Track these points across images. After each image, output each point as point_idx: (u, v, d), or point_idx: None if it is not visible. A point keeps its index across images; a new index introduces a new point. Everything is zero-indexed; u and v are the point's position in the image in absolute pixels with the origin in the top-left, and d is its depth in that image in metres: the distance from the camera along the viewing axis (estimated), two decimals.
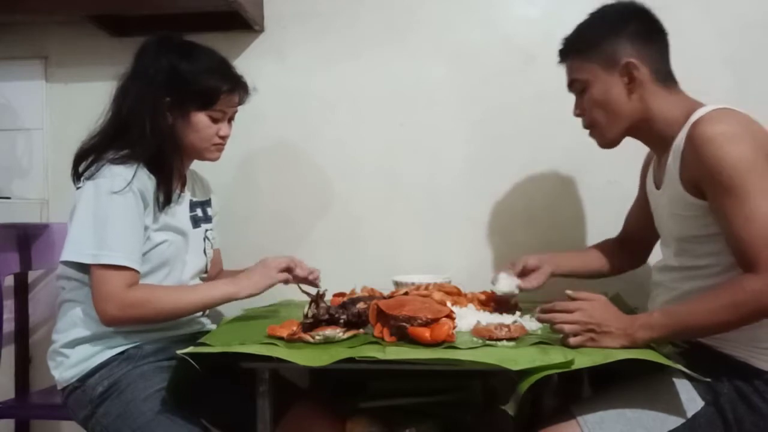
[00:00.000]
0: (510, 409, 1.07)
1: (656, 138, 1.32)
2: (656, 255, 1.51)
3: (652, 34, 1.31)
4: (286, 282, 1.46)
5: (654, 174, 1.39)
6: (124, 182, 1.31)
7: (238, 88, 1.46)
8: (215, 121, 1.44)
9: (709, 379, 1.16)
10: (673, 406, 1.15)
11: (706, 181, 1.18)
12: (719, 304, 1.12)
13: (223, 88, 1.42)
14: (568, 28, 1.38)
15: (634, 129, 1.33)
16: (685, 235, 1.27)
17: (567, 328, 1.16)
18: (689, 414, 1.15)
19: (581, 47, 1.34)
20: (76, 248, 1.31)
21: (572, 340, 1.16)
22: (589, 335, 1.15)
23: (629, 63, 1.28)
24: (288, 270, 1.45)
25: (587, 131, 1.40)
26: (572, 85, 1.38)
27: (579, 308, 1.17)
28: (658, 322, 1.15)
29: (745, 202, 1.12)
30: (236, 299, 1.40)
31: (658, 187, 1.35)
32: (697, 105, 1.26)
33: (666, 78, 1.31)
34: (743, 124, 1.18)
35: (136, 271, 1.33)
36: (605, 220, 1.71)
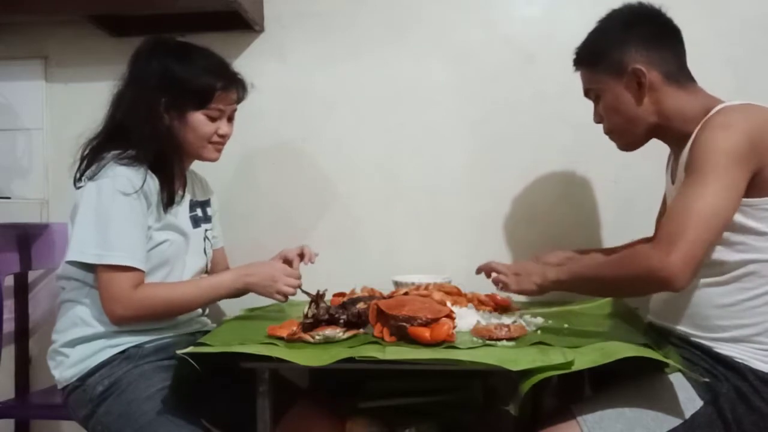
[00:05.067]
0: (513, 409, 1.08)
1: (676, 136, 1.29)
2: None
3: (661, 37, 1.29)
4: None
5: (670, 170, 1.39)
6: (129, 183, 1.32)
7: (234, 85, 1.46)
8: (213, 119, 1.44)
9: (707, 380, 1.16)
10: (673, 405, 1.16)
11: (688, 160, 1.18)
12: (608, 261, 1.23)
13: (218, 86, 1.42)
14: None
15: (654, 131, 1.32)
16: None
17: (501, 276, 1.39)
18: (688, 414, 1.15)
19: (590, 58, 1.34)
20: (80, 248, 1.31)
21: (501, 280, 1.38)
22: (515, 278, 1.37)
23: (636, 70, 1.26)
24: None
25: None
26: (587, 93, 1.39)
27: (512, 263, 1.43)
28: (565, 269, 1.31)
29: (696, 187, 1.12)
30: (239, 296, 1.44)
31: (673, 182, 1.35)
32: (716, 101, 1.24)
33: (680, 77, 1.28)
34: (746, 119, 1.16)
35: (142, 271, 1.33)
36: (606, 220, 1.71)
